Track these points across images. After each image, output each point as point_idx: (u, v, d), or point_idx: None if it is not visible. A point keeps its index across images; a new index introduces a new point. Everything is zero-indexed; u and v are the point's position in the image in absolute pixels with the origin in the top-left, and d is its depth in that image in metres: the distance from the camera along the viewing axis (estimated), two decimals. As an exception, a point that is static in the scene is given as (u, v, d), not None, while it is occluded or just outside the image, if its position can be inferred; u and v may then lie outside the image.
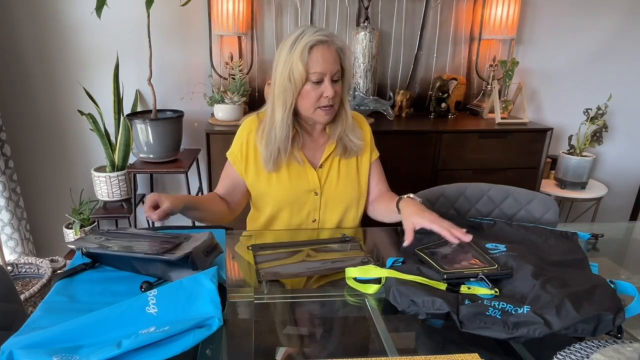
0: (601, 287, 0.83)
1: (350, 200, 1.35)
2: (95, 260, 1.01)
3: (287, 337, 0.84)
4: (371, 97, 2.25)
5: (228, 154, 1.36)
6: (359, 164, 1.37)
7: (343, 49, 1.24)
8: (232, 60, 2.26)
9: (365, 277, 0.97)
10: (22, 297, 1.75)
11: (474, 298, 0.83)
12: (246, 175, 1.32)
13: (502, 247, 1.01)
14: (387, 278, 0.91)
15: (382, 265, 1.01)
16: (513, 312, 0.78)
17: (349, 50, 1.28)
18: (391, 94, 2.36)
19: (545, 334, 0.74)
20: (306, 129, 1.34)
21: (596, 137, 2.39)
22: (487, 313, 0.78)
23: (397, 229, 1.31)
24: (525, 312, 0.77)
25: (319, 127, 1.34)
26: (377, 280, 0.95)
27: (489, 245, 1.02)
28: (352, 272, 0.98)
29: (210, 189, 2.09)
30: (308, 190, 1.31)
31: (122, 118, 2.22)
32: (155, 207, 1.11)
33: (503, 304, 0.80)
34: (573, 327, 0.75)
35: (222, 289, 0.83)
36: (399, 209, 1.18)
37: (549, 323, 0.74)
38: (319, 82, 1.21)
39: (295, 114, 1.28)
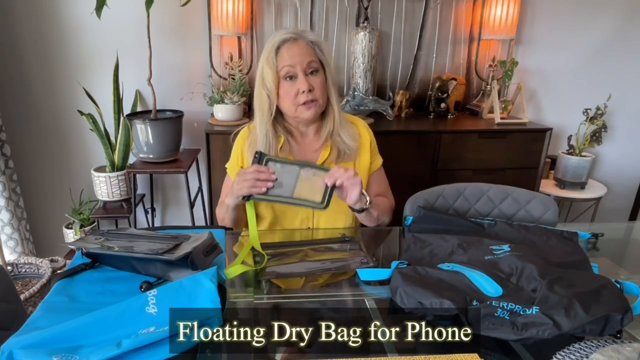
0: (608, 288, 0.83)
1: (345, 208, 1.27)
2: (95, 260, 1.01)
3: (287, 338, 0.84)
4: (370, 97, 2.25)
5: (227, 165, 1.36)
6: (355, 168, 1.32)
7: (316, 42, 1.22)
8: (231, 60, 2.26)
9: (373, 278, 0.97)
10: (22, 297, 1.75)
11: (481, 299, 0.83)
12: None
13: (505, 247, 1.00)
14: (392, 279, 0.91)
15: (381, 265, 1.01)
16: (521, 313, 0.78)
17: (326, 45, 1.26)
18: (390, 94, 2.36)
19: (555, 335, 0.74)
20: (296, 136, 1.31)
21: (595, 137, 2.39)
22: (495, 314, 0.78)
23: (397, 229, 1.32)
24: (534, 312, 0.77)
25: (310, 131, 1.31)
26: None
27: (493, 247, 1.02)
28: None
29: (211, 189, 2.09)
30: None
31: (121, 118, 2.22)
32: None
33: (511, 305, 0.79)
34: (581, 327, 0.75)
35: (222, 289, 0.83)
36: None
37: (558, 324, 0.74)
38: (293, 78, 1.20)
39: (284, 119, 1.28)
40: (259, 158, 1.08)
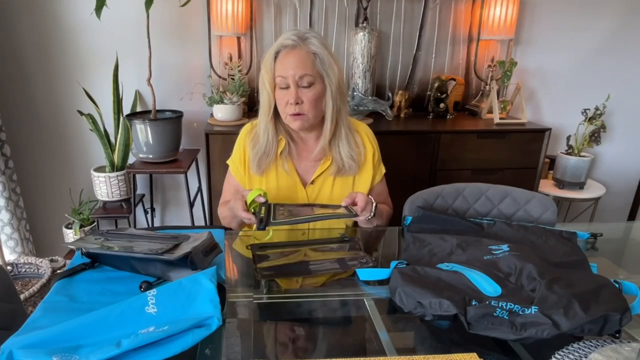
0: (607, 287, 0.83)
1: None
2: (95, 260, 1.01)
3: (286, 337, 0.84)
4: (370, 98, 2.25)
5: (229, 161, 1.36)
6: (356, 183, 1.32)
7: (317, 53, 1.16)
8: (231, 60, 2.27)
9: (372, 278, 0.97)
10: (22, 297, 1.75)
11: (481, 298, 0.83)
12: (246, 181, 1.32)
13: (504, 247, 1.01)
14: (392, 279, 0.92)
15: (381, 265, 1.01)
16: (520, 313, 0.77)
17: (329, 55, 1.18)
18: (390, 94, 2.36)
19: (554, 335, 0.74)
20: (297, 141, 1.31)
21: (594, 137, 2.40)
22: (494, 314, 0.78)
23: (396, 229, 1.32)
24: (533, 312, 0.77)
25: (311, 138, 1.30)
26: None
27: (492, 246, 1.02)
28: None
29: (210, 189, 2.09)
30: None
31: (121, 118, 2.22)
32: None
33: (510, 305, 0.79)
34: (580, 327, 0.75)
35: (222, 289, 0.83)
36: None
37: (557, 324, 0.74)
38: (287, 88, 1.18)
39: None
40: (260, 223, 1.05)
